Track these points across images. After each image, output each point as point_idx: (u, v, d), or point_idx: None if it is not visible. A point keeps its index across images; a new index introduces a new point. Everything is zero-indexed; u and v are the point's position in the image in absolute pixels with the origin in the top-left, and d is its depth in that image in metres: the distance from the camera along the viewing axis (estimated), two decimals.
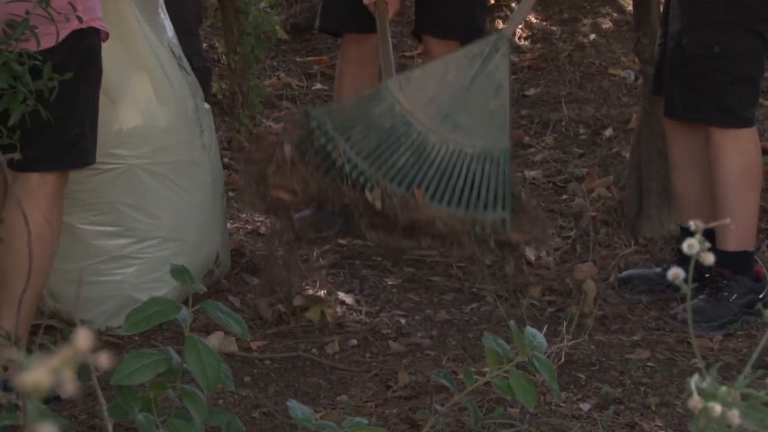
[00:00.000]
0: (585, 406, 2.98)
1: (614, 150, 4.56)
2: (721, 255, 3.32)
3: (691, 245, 1.35)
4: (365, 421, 2.24)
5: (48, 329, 3.07)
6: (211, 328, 3.20)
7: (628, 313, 3.46)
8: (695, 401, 1.33)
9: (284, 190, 3.24)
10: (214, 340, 3.14)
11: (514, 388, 2.26)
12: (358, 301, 3.52)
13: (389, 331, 3.35)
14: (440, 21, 3.81)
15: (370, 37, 3.72)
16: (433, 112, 3.29)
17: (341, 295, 3.52)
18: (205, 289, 2.39)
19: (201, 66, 4.75)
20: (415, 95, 3.30)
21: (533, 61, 5.44)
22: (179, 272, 2.23)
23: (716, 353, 3.26)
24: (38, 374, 0.90)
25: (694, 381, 1.34)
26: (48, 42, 2.71)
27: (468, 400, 2.42)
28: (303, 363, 3.18)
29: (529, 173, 4.41)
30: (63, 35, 2.75)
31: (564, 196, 4.24)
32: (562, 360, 3.13)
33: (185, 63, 3.45)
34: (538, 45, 5.59)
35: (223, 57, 4.84)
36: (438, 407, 2.55)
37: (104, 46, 2.91)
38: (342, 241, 3.87)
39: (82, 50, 2.82)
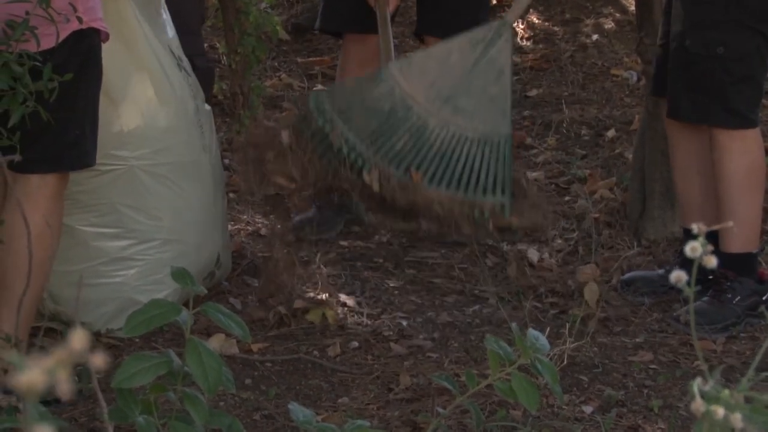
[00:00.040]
0: (587, 409, 2.97)
1: (617, 151, 4.55)
2: (725, 257, 3.31)
3: (693, 248, 1.34)
4: (367, 423, 2.23)
5: (48, 331, 3.06)
6: (212, 330, 3.18)
7: (631, 315, 3.45)
8: (698, 404, 1.32)
9: (283, 176, 3.23)
10: (215, 342, 3.13)
11: (517, 390, 2.25)
12: (359, 303, 3.51)
13: (391, 333, 3.34)
14: (442, 21, 3.80)
15: (371, 38, 3.72)
16: (433, 95, 3.27)
17: (342, 297, 3.51)
18: (206, 291, 2.39)
19: (204, 66, 4.74)
20: (415, 78, 3.28)
21: (535, 61, 5.43)
22: (180, 274, 2.22)
23: (719, 355, 3.25)
24: (33, 375, 0.89)
25: (696, 384, 1.33)
26: (48, 43, 2.70)
27: (470, 402, 2.40)
28: (304, 365, 3.17)
29: (532, 174, 4.40)
30: (63, 36, 2.74)
31: (566, 198, 4.22)
32: (565, 362, 3.12)
33: (185, 63, 3.44)
34: (540, 45, 5.57)
35: (224, 57, 4.83)
36: (440, 410, 2.54)
37: (105, 46, 2.90)
38: (343, 243, 3.86)
39: (83, 51, 2.81)
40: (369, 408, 2.96)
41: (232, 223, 3.92)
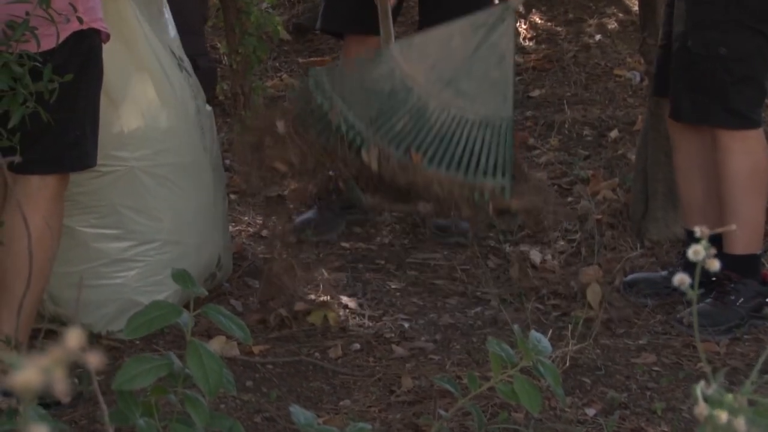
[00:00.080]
0: (590, 411, 2.96)
1: (620, 152, 4.54)
2: (729, 258, 3.30)
3: (696, 251, 1.33)
4: (368, 426, 2.22)
5: (48, 333, 3.05)
6: (213, 332, 3.17)
7: (634, 316, 3.44)
8: (701, 408, 1.31)
9: (281, 161, 3.21)
10: (216, 344, 3.12)
11: (519, 393, 2.24)
12: (361, 305, 3.49)
13: (392, 335, 3.33)
14: (443, 21, 3.78)
15: (372, 38, 3.70)
16: (434, 77, 3.24)
17: (344, 299, 3.50)
18: (207, 293, 2.38)
19: (206, 66, 4.72)
20: (416, 60, 3.25)
21: (538, 61, 5.42)
22: (180, 276, 2.21)
23: (723, 357, 3.24)
24: (29, 374, 0.88)
25: (700, 387, 1.32)
26: (48, 43, 2.69)
27: (472, 405, 2.39)
28: (305, 367, 3.16)
29: (534, 175, 4.39)
30: (63, 36, 2.73)
31: (569, 199, 4.21)
32: (567, 364, 3.11)
33: (186, 64, 3.43)
34: (543, 46, 5.56)
35: (225, 57, 4.81)
36: (442, 412, 2.53)
37: (105, 47, 2.89)
38: (345, 244, 3.85)
39: (83, 51, 2.80)
40: (371, 410, 2.94)
41: (233, 224, 3.91)
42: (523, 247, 3.83)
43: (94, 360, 0.95)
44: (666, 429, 2.90)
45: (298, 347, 3.25)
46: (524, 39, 5.60)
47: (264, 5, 4.27)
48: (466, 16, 3.32)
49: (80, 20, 2.75)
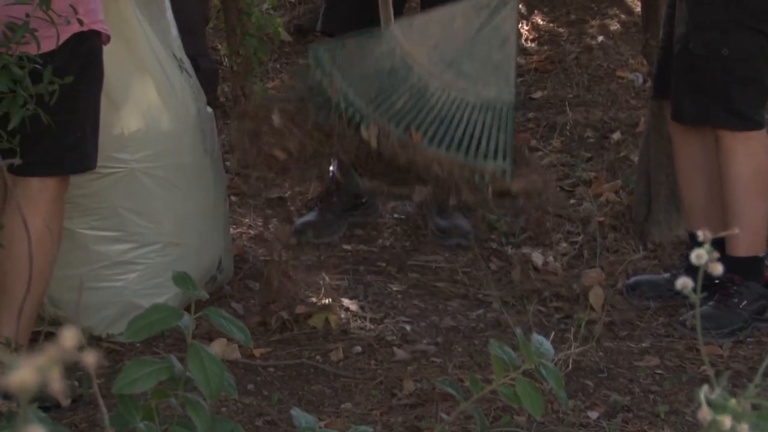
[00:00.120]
0: (593, 415, 2.95)
1: (622, 154, 4.52)
2: (731, 261, 3.29)
3: (699, 255, 1.32)
4: (370, 429, 2.21)
5: (48, 336, 3.04)
6: (214, 335, 3.16)
7: (637, 319, 3.42)
8: (705, 413, 1.30)
9: (279, 149, 3.19)
10: (217, 347, 3.11)
11: (521, 396, 2.23)
12: (362, 308, 3.48)
13: (394, 337, 3.32)
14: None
15: None
16: (436, 58, 3.22)
17: (345, 302, 3.49)
18: (208, 296, 2.37)
19: (207, 67, 4.71)
20: (417, 40, 3.23)
21: (540, 63, 5.40)
22: (181, 278, 2.20)
23: (726, 360, 3.22)
24: (24, 373, 0.87)
25: (703, 392, 1.31)
26: (48, 45, 2.68)
27: (474, 408, 2.38)
28: (307, 370, 3.15)
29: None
30: (64, 38, 2.72)
31: (571, 201, 4.20)
32: (570, 367, 3.10)
33: (187, 65, 3.42)
34: (545, 47, 5.55)
35: (226, 59, 4.80)
36: (444, 415, 2.52)
37: (106, 48, 2.88)
38: (346, 247, 3.84)
39: (83, 53, 2.80)
40: (372, 413, 2.93)
41: (234, 226, 3.90)
42: (525, 250, 3.81)
43: (91, 359, 0.94)
44: None
45: (299, 350, 3.24)
46: (526, 40, 5.59)
47: (265, 6, 4.26)
48: None
49: (80, 22, 2.75)
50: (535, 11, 5.72)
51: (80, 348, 0.91)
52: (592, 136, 4.73)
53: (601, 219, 3.97)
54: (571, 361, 3.11)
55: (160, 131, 3.23)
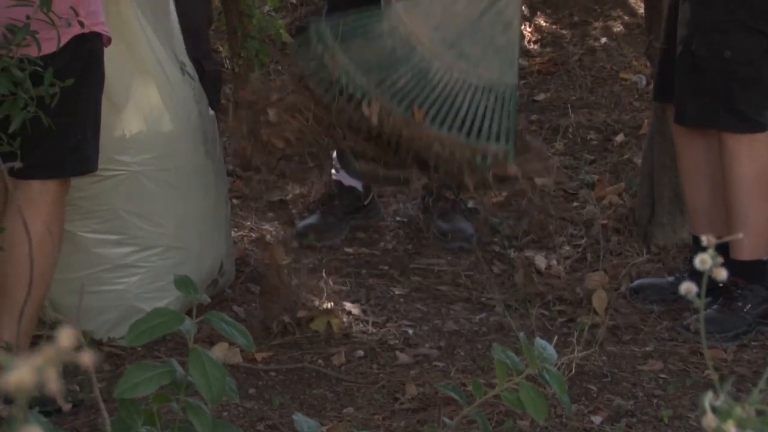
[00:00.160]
0: (596, 419, 2.93)
1: (626, 156, 4.51)
2: (735, 264, 3.27)
3: (703, 260, 1.31)
4: None
5: (49, 340, 3.03)
6: (215, 339, 3.15)
7: (640, 323, 3.41)
8: (709, 420, 1.28)
9: (278, 137, 3.17)
10: (219, 351, 3.09)
11: (524, 400, 2.21)
12: (364, 311, 3.47)
13: (396, 341, 3.30)
14: None
15: None
16: (438, 38, 3.20)
17: (347, 305, 3.48)
18: (209, 299, 2.35)
19: (212, 70, 4.70)
20: (420, 20, 3.21)
21: (543, 65, 5.39)
22: (182, 282, 2.19)
23: (730, 364, 3.21)
24: (21, 374, 0.86)
25: (708, 398, 1.29)
26: (49, 47, 2.67)
27: (477, 412, 2.37)
28: (309, 374, 3.14)
29: (539, 180, 4.36)
30: (64, 40, 2.72)
31: (574, 204, 4.19)
32: (573, 371, 3.09)
33: (189, 67, 3.41)
34: (548, 49, 5.54)
35: (227, 61, 4.79)
36: (446, 420, 2.50)
37: (107, 50, 2.87)
38: (348, 250, 3.82)
39: (84, 55, 2.79)
40: (374, 418, 2.92)
41: (236, 229, 3.89)
42: (528, 253, 3.80)
43: (88, 360, 0.92)
44: None
45: (301, 354, 3.23)
46: (529, 42, 5.58)
47: (266, 8, 4.25)
48: None
49: (81, 24, 2.74)
50: (538, 13, 5.71)
51: (78, 349, 0.90)
52: (595, 139, 4.72)
53: (605, 222, 3.96)
54: (574, 365, 3.10)
55: (161, 134, 3.22)
